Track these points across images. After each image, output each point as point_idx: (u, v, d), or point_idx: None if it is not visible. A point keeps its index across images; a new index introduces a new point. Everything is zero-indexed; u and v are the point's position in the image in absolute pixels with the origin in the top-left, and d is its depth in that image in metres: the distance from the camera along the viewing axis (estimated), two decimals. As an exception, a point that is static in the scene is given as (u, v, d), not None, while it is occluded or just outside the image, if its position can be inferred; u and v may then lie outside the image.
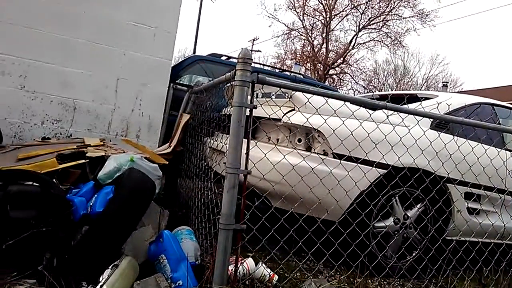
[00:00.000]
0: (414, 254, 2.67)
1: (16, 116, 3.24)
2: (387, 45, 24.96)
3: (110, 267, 1.69)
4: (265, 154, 2.03)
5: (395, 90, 27.27)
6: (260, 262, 2.09)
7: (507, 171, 2.83)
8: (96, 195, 2.10)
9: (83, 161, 2.45)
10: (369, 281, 2.29)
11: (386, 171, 2.38)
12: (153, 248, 1.96)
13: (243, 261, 2.01)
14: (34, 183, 1.93)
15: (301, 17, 24.79)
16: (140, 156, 2.53)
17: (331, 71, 25.31)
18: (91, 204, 2.05)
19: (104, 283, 1.58)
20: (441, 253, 2.44)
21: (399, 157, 2.33)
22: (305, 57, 25.19)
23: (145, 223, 2.19)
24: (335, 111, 2.18)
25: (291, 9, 24.67)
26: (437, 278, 2.47)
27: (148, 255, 1.97)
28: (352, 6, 23.99)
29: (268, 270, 2.07)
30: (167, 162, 2.89)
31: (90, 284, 1.66)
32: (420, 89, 26.62)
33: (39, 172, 2.17)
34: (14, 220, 1.73)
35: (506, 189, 2.82)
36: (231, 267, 1.81)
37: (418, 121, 2.45)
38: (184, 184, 3.35)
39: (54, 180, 2.18)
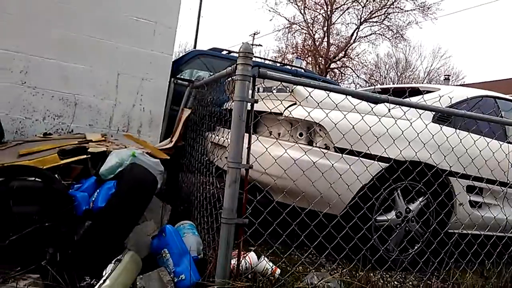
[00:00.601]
0: (416, 247, 2.68)
1: (18, 112, 3.24)
2: (388, 38, 24.82)
3: (113, 261, 1.69)
4: (266, 149, 2.03)
5: (397, 83, 27.19)
6: (263, 256, 2.09)
7: (509, 164, 2.82)
8: (98, 190, 2.10)
9: (85, 156, 2.45)
10: (371, 274, 2.29)
11: (388, 164, 2.38)
12: (155, 242, 1.97)
13: (245, 255, 2.01)
14: (36, 179, 1.93)
15: (302, 11, 24.65)
16: (142, 151, 2.53)
17: (333, 65, 25.20)
18: (93, 199, 2.05)
19: (107, 277, 1.59)
20: (443, 246, 2.44)
21: (401, 151, 2.33)
22: (306, 51, 25.09)
23: (147, 218, 2.19)
24: (336, 105, 2.17)
25: (292, 2, 24.49)
26: (439, 271, 2.47)
27: (151, 250, 1.98)
28: (354, -1, 23.84)
29: (271, 264, 2.08)
30: (169, 157, 2.89)
31: (93, 278, 1.66)
32: (422, 83, 26.54)
33: (41, 167, 2.17)
34: (17, 216, 1.74)
35: (508, 182, 2.82)
36: (233, 261, 1.81)
37: (420, 115, 2.44)
38: (186, 178, 3.36)
39: (56, 176, 2.18)
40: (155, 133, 3.71)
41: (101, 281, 1.58)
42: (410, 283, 2.47)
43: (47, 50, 3.29)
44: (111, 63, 3.51)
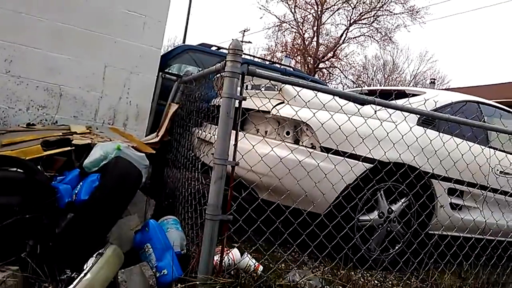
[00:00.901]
0: (397, 247, 2.72)
1: (1, 101, 3.17)
2: (377, 40, 25.16)
3: (94, 255, 1.67)
4: (253, 146, 2.04)
5: (384, 85, 27.46)
6: (246, 253, 2.10)
7: (490, 168, 2.89)
8: (81, 183, 2.08)
9: (69, 148, 2.41)
10: (352, 273, 2.32)
11: (372, 165, 2.41)
12: (138, 237, 1.96)
13: (228, 251, 2.02)
14: (18, 169, 1.90)
15: (293, 10, 24.76)
16: (127, 145, 2.51)
17: (321, 65, 25.37)
18: (76, 191, 2.03)
19: (88, 271, 1.57)
20: (423, 247, 2.48)
21: (385, 152, 2.36)
22: (295, 50, 25.20)
23: (131, 212, 2.18)
24: (324, 105, 2.19)
25: (282, 1, 24.56)
26: (418, 271, 2.52)
27: (134, 244, 1.97)
28: (344, 0, 23.99)
29: (253, 260, 2.09)
30: (154, 152, 2.87)
31: (74, 272, 1.64)
32: (408, 85, 26.86)
33: (24, 158, 2.13)
34: (-3, 207, 1.71)
35: (488, 185, 2.88)
36: (216, 257, 1.82)
37: (405, 117, 2.48)
38: (171, 174, 3.34)
39: (38, 167, 2.15)
40: (141, 127, 3.67)
41: (82, 275, 1.56)
42: (390, 282, 2.51)
43: (33, 40, 3.23)
44: (99, 55, 3.46)
